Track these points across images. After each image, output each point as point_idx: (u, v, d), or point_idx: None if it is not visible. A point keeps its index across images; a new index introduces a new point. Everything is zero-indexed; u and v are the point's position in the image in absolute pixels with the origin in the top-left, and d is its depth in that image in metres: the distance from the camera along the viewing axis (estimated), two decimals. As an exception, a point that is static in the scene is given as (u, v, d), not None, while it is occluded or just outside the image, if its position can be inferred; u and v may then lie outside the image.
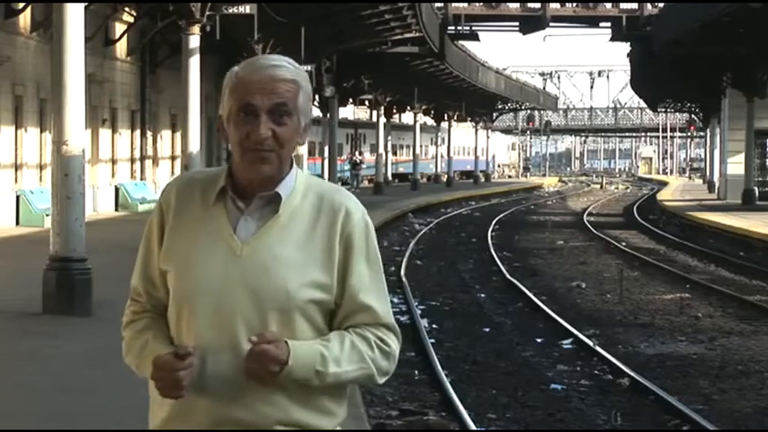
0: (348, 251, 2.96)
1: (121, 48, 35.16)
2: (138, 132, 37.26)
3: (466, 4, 55.57)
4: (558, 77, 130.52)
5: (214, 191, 2.97)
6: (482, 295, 21.10)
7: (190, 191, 3.01)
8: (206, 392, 2.90)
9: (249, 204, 2.95)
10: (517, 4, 55.65)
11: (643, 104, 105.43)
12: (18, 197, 27.85)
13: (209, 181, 3.00)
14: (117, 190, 34.80)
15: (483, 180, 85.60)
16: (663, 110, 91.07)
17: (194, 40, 23.84)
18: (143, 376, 3.01)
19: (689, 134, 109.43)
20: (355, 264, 2.97)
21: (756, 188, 47.14)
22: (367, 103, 66.44)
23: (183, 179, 3.07)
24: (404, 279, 22.41)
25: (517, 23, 56.14)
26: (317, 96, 47.09)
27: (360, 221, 2.98)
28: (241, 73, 2.95)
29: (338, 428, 3.00)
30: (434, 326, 16.98)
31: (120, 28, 34.33)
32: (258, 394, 2.89)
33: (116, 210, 34.19)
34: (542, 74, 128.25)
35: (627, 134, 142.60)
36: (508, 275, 23.55)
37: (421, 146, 72.31)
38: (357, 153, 66.19)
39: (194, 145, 23.57)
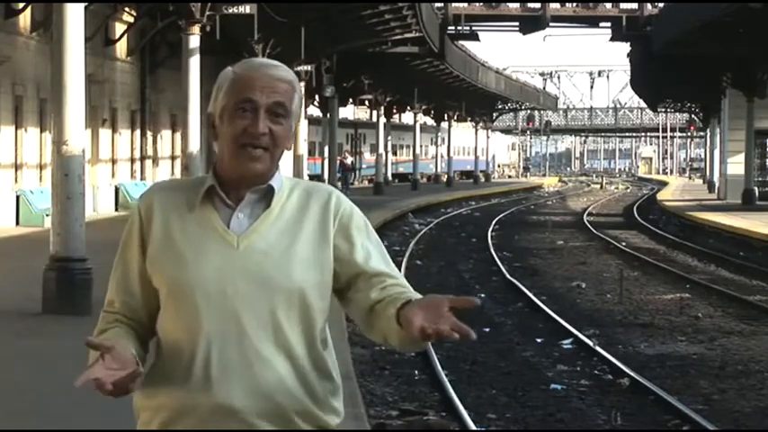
0: (346, 231, 3.01)
1: (121, 48, 35.17)
2: (138, 132, 37.26)
3: (466, 4, 55.57)
4: (558, 77, 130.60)
5: (198, 193, 2.98)
6: (482, 295, 21.08)
7: (171, 196, 3.02)
8: (214, 383, 2.88)
9: (239, 201, 2.97)
10: (517, 4, 55.67)
11: (643, 104, 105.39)
12: (18, 197, 27.84)
13: (189, 185, 3.03)
14: (117, 190, 34.79)
15: (483, 180, 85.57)
16: (663, 110, 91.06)
17: (194, 40, 23.86)
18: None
19: (689, 134, 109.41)
20: (357, 240, 3.02)
21: (756, 188, 47.14)
22: (367, 103, 66.39)
23: (162, 187, 3.08)
24: (404, 279, 22.38)
25: (517, 23, 56.16)
26: (316, 96, 47.07)
27: (350, 206, 3.05)
28: (239, 71, 2.99)
29: (339, 429, 3.00)
30: (434, 326, 16.92)
31: (120, 28, 34.34)
32: (271, 382, 2.90)
33: (116, 210, 34.15)
34: (542, 74, 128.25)
35: (627, 134, 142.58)
36: (508, 275, 23.55)
37: (421, 146, 72.27)
38: (346, 154, 64.88)
39: (194, 145, 23.60)
